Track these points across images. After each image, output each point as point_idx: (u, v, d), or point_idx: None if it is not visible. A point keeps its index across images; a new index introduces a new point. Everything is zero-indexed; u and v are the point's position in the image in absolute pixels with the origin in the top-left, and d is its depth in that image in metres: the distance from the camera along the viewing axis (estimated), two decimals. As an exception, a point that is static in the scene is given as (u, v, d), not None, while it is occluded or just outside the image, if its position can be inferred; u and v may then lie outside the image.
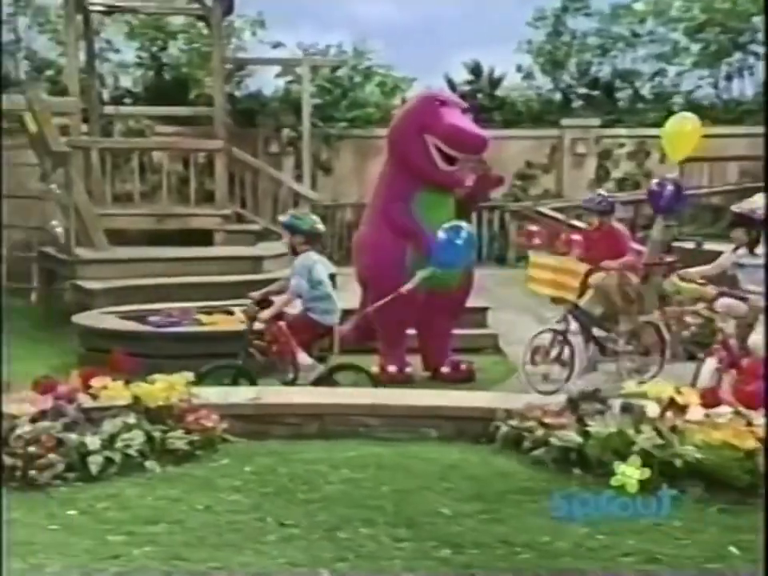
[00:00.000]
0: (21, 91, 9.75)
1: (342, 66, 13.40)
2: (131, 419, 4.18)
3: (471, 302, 7.03)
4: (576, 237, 6.99)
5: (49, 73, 12.16)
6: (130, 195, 10.73)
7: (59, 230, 9.27)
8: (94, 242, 9.25)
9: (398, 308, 6.43)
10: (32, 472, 3.76)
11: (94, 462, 3.88)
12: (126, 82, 12.88)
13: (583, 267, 6.43)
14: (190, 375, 4.56)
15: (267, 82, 13.14)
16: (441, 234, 6.13)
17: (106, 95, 12.23)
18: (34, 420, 4.03)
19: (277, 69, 12.83)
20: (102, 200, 10.29)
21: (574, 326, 6.45)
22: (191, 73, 12.76)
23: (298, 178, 12.10)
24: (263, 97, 12.92)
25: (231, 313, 7.60)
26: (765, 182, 7.07)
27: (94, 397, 4.34)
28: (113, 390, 4.32)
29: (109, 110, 11.72)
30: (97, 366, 4.66)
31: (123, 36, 12.99)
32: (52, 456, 3.84)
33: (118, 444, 4.01)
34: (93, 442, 3.96)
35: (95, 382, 4.36)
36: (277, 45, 13.33)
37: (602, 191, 7.33)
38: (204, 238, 10.22)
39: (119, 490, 3.73)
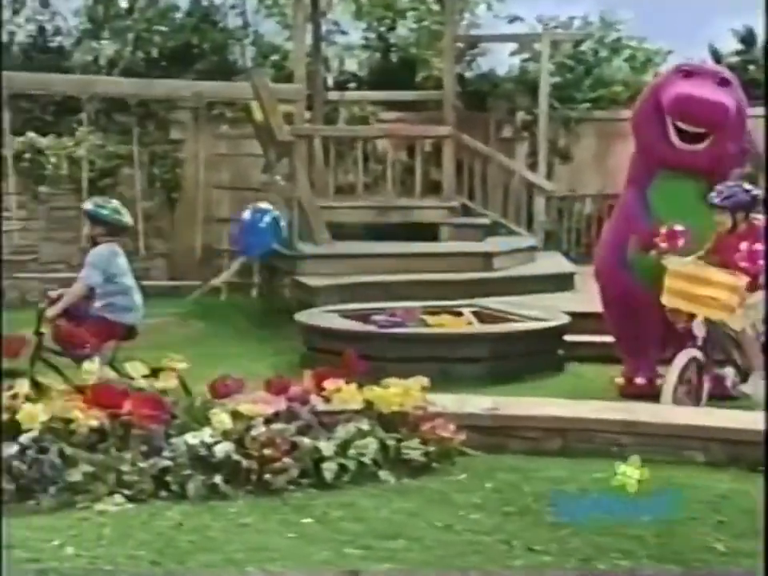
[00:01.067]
0: (247, 78, 10.38)
1: (587, 39, 13.12)
2: (365, 425, 4.33)
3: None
4: (680, 228, 6.16)
5: (274, 58, 12.84)
6: (352, 186, 11.12)
7: (282, 223, 9.78)
8: (315, 236, 9.67)
9: (625, 311, 6.23)
10: (267, 476, 4.00)
11: (329, 469, 4.06)
12: (351, 65, 13.35)
13: (730, 277, 5.70)
14: (425, 380, 4.66)
15: (501, 60, 13.15)
16: (245, 216, 5.81)
17: (330, 80, 12.75)
18: (268, 421, 4.28)
19: (512, 46, 12.80)
20: (324, 191, 10.73)
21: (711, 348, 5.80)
22: (419, 53, 13.01)
23: (533, 166, 12.00)
24: (496, 77, 12.92)
25: (459, 314, 7.71)
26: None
27: (327, 400, 4.55)
28: (346, 394, 4.50)
29: (333, 95, 12.20)
30: (323, 367, 4.89)
31: (350, 16, 13.47)
32: (286, 460, 4.05)
33: (352, 451, 4.18)
34: (327, 447, 4.14)
35: (328, 384, 4.56)
36: (513, 19, 13.24)
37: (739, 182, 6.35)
38: (428, 232, 10.40)
39: (353, 500, 3.89)
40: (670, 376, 5.67)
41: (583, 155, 12.42)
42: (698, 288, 5.77)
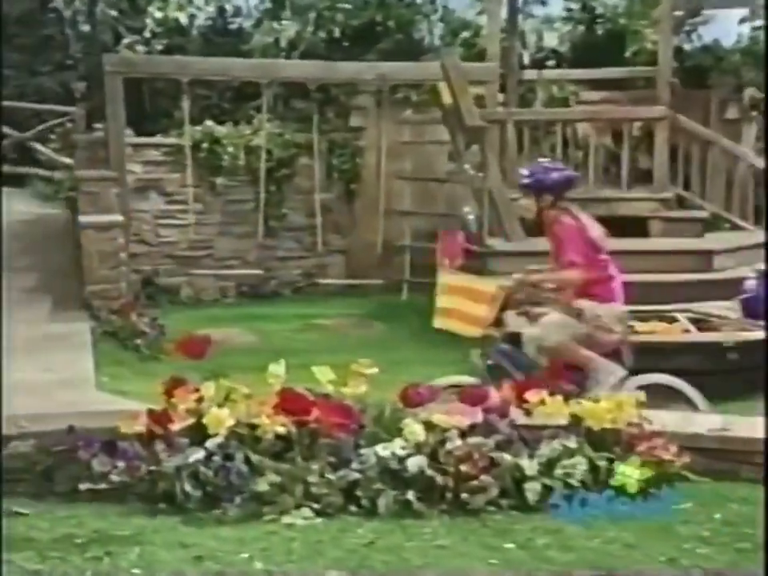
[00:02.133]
0: (435, 58, 10.47)
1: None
2: (572, 443, 4.28)
3: None
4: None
5: (465, 35, 12.89)
6: (548, 176, 11.03)
7: (471, 217, 9.81)
8: (507, 231, 9.64)
9: None
10: (463, 494, 4.02)
11: (532, 490, 4.03)
12: (550, 40, 13.24)
13: (490, 286, 5.46)
14: (641, 394, 4.57)
15: (727, 29, 12.70)
16: None
17: (526, 57, 12.68)
18: (463, 435, 4.29)
19: (742, 12, 12.34)
20: (517, 182, 10.69)
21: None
22: (630, 24, 12.77)
23: (763, 151, 11.52)
24: (721, 49, 12.51)
25: (674, 320, 7.49)
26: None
27: (528, 413, 4.53)
28: (551, 407, 4.47)
29: (529, 74, 12.13)
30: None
31: (552, -15, 13.38)
32: (485, 478, 4.06)
33: (558, 471, 4.13)
34: (530, 466, 4.12)
35: (530, 396, 4.54)
36: (749, -19, 12.76)
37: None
38: (637, 227, 10.18)
39: (560, 525, 3.84)
40: None
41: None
42: (460, 301, 5.56)
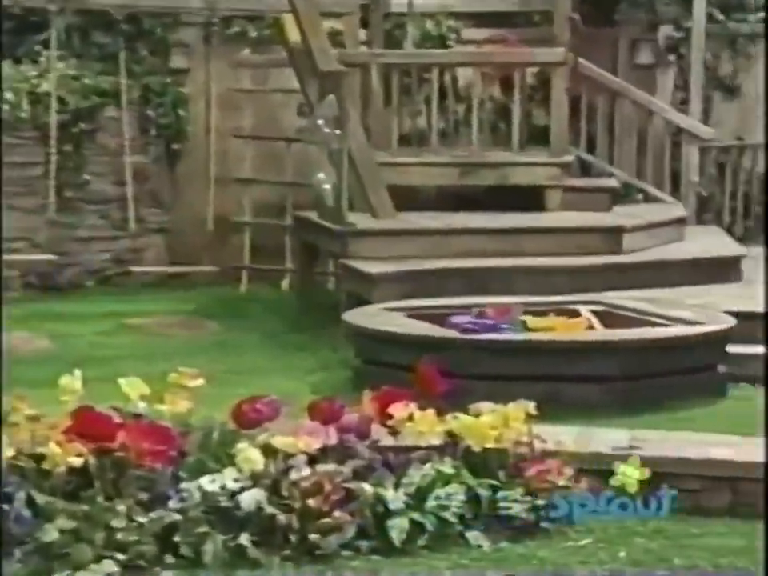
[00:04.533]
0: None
1: None
2: (447, 468, 4.39)
3: None
4: None
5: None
6: (423, 135, 11.13)
7: (327, 186, 9.83)
8: (373, 204, 9.72)
9: None
10: (312, 535, 4.06)
11: (397, 528, 4.11)
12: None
13: None
14: (530, 405, 4.69)
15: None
16: None
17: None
18: (312, 460, 4.34)
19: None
20: (385, 142, 10.76)
21: None
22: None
23: (683, 103, 11.91)
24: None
25: (575, 314, 7.70)
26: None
27: (394, 432, 4.61)
28: (421, 423, 4.55)
29: (398, 6, 12.17)
30: (385, 386, 4.93)
31: None
32: (339, 514, 4.12)
33: (430, 503, 4.23)
34: (395, 497, 4.20)
35: (396, 410, 4.61)
36: None
37: None
38: (531, 198, 10.38)
39: (433, 572, 3.92)
40: None
41: (756, 88, 12.24)
42: None
